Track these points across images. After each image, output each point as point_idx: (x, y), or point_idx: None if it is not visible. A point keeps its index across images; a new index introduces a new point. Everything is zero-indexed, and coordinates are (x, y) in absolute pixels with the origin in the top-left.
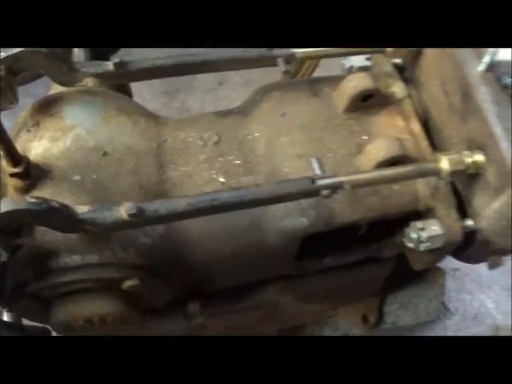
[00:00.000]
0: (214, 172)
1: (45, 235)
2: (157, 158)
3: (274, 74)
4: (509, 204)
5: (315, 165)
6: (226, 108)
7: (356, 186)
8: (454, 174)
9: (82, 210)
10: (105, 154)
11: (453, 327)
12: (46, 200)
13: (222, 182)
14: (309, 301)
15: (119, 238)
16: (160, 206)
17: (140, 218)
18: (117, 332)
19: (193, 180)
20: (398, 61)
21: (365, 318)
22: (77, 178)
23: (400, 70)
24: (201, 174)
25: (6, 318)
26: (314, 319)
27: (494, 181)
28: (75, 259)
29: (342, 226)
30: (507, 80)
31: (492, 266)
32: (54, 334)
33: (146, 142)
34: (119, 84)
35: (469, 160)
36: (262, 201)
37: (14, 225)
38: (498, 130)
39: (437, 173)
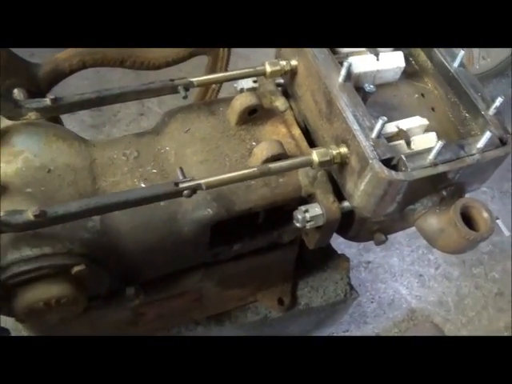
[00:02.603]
0: (136, 180)
1: (9, 235)
2: (90, 172)
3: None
4: (370, 183)
5: (179, 172)
6: None
7: (211, 186)
8: (323, 163)
9: None
10: (49, 171)
11: (371, 313)
12: None
13: (143, 187)
14: (228, 286)
15: (67, 233)
16: (58, 209)
17: (43, 218)
18: (69, 317)
19: (120, 187)
20: (281, 81)
21: (280, 301)
22: (29, 190)
23: (284, 88)
24: (126, 182)
25: None
26: (237, 305)
27: (356, 167)
28: (35, 251)
29: (240, 213)
30: (370, 87)
31: (378, 243)
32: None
33: (81, 160)
34: (53, 117)
35: (334, 152)
36: (136, 201)
37: None
38: (354, 126)
39: (309, 164)
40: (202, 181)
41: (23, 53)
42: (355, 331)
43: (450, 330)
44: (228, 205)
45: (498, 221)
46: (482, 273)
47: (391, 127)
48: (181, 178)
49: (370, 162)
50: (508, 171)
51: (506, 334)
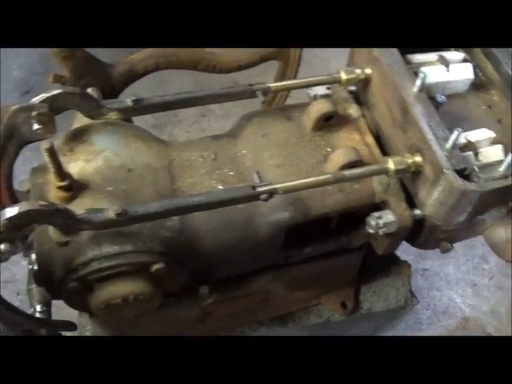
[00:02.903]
0: (213, 182)
1: (90, 232)
2: (169, 172)
3: (250, 107)
4: (443, 193)
5: (255, 176)
6: None
7: (287, 191)
8: (398, 172)
9: (79, 212)
10: (129, 170)
11: (426, 321)
12: (52, 203)
13: (221, 189)
14: (295, 288)
15: (147, 231)
16: (139, 208)
17: (124, 217)
18: (143, 312)
19: (198, 188)
20: (353, 88)
21: (343, 305)
22: (110, 188)
23: (356, 95)
24: (204, 183)
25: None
26: (300, 307)
27: (430, 176)
28: (115, 248)
29: (316, 217)
30: (441, 98)
31: (444, 251)
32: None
33: (159, 160)
34: (125, 118)
35: (409, 161)
36: (214, 203)
37: (29, 223)
38: (430, 136)
39: (385, 172)
40: (279, 185)
41: None
42: None
43: None
44: (304, 209)
45: None
46: None
47: (460, 138)
48: (258, 182)
49: (445, 171)
50: None
51: None
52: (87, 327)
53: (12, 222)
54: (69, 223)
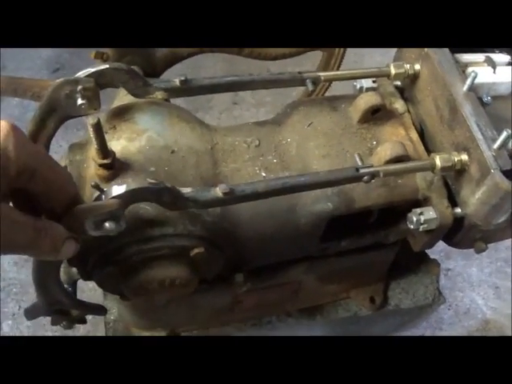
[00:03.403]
0: (256, 168)
1: (130, 212)
2: (211, 156)
3: (284, 97)
4: (488, 193)
5: (357, 158)
6: None
7: (386, 174)
8: (444, 169)
9: (186, 190)
10: (172, 151)
11: (447, 321)
12: (161, 181)
13: (264, 176)
14: (327, 281)
15: (189, 215)
16: (245, 187)
17: (231, 196)
18: (178, 296)
19: (241, 174)
20: (398, 83)
21: (372, 300)
22: (152, 169)
23: (400, 90)
24: (247, 169)
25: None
26: (329, 300)
27: (476, 175)
28: (156, 231)
29: (359, 210)
30: (487, 98)
31: (478, 251)
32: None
33: (203, 143)
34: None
35: (456, 158)
36: (319, 184)
37: (135, 201)
38: (478, 135)
39: (431, 168)
40: (381, 168)
41: None
42: None
43: None
44: (348, 201)
45: None
46: None
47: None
48: (360, 163)
49: (492, 171)
50: None
51: None
52: (112, 310)
53: (121, 199)
54: (175, 201)
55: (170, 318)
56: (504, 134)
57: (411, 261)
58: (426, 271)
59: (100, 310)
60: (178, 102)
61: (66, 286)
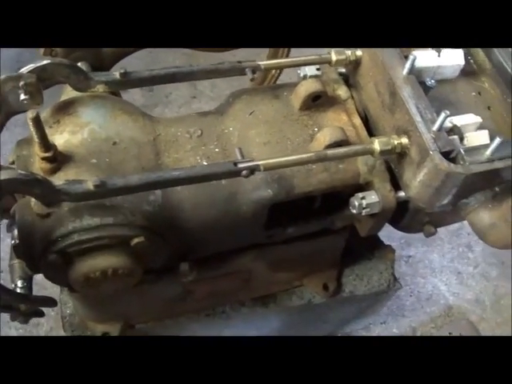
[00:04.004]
0: (198, 158)
1: (71, 204)
2: (153, 147)
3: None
4: (428, 174)
5: (238, 152)
6: None
7: (269, 168)
8: (384, 153)
9: (58, 182)
10: (114, 143)
11: (409, 307)
12: (32, 173)
13: (203, 165)
14: (277, 269)
15: (129, 204)
16: (118, 181)
17: (102, 189)
18: (123, 287)
19: (182, 164)
20: (343, 70)
21: (325, 287)
22: (94, 161)
23: (346, 77)
24: (188, 159)
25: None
26: (283, 288)
27: (416, 157)
28: (96, 220)
29: (299, 196)
30: (431, 82)
31: (427, 235)
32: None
33: (145, 135)
34: (112, 93)
35: (395, 142)
36: (195, 178)
37: (7, 191)
38: (417, 118)
39: (370, 152)
40: (261, 162)
41: None
42: (392, 323)
43: (484, 329)
44: (288, 187)
45: None
46: None
47: (446, 122)
48: (240, 158)
49: (431, 153)
50: None
51: None
52: (68, 304)
53: None
54: (48, 194)
55: (122, 310)
56: (442, 116)
57: (366, 247)
58: (381, 257)
59: (49, 302)
60: (137, 97)
61: (21, 281)
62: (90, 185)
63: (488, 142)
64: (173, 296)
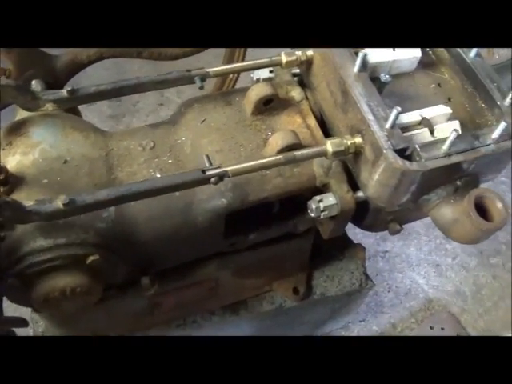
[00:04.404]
0: (151, 170)
1: (24, 226)
2: (106, 162)
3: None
4: (384, 173)
5: (205, 160)
6: None
7: (237, 173)
8: (337, 154)
9: (28, 203)
10: (65, 161)
11: (388, 303)
12: (1, 197)
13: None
14: (244, 276)
15: (82, 223)
16: (86, 197)
17: (72, 207)
18: (85, 307)
19: (136, 177)
20: (297, 70)
21: (295, 291)
22: (45, 181)
23: (300, 77)
24: (142, 172)
25: None
26: (252, 294)
27: (370, 156)
28: (49, 242)
29: (254, 203)
30: (386, 77)
31: (392, 233)
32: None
33: (97, 150)
34: (70, 108)
35: (348, 142)
36: (164, 189)
37: None
38: (369, 116)
39: (324, 154)
40: (229, 168)
41: None
42: (372, 320)
43: (466, 320)
44: (242, 195)
45: None
46: (499, 263)
47: (415, 116)
48: (207, 165)
49: (384, 152)
50: None
51: None
52: (40, 323)
53: None
54: (18, 215)
55: (91, 326)
56: (394, 112)
57: (335, 247)
58: (351, 257)
59: (19, 322)
60: (104, 108)
61: None
62: (59, 203)
63: (460, 132)
64: (139, 310)
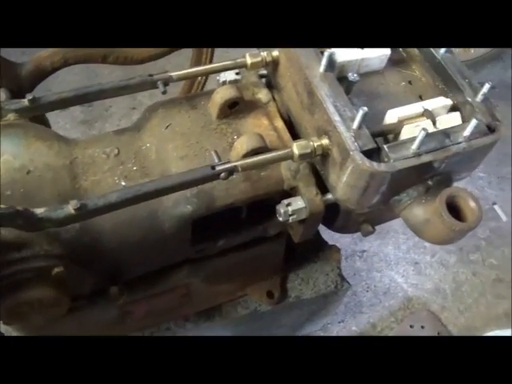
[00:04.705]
0: (116, 178)
1: None
2: (70, 171)
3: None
4: (352, 175)
5: (214, 156)
6: None
7: (245, 168)
8: (304, 156)
9: (39, 211)
10: (28, 172)
11: (366, 303)
12: (12, 206)
13: (124, 185)
14: (216, 282)
15: (45, 235)
16: (98, 200)
17: (84, 211)
18: (54, 318)
19: (101, 186)
20: (265, 72)
21: (270, 295)
22: (8, 193)
23: (268, 78)
24: (107, 180)
25: None
26: (226, 299)
27: (338, 158)
28: (13, 255)
29: (220, 208)
30: (353, 76)
31: (365, 234)
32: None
33: (61, 159)
34: (37, 116)
35: (315, 144)
36: (175, 187)
37: None
38: (335, 117)
39: (290, 157)
40: (238, 163)
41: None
42: (351, 321)
43: (447, 318)
44: (208, 201)
45: (495, 206)
46: (479, 259)
47: (417, 107)
48: (216, 161)
49: (351, 153)
50: (506, 156)
51: (505, 321)
52: (13, 333)
53: None
54: (31, 223)
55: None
56: (360, 113)
57: (310, 250)
58: (326, 258)
59: None
60: (77, 113)
61: None
62: (70, 209)
63: (461, 123)
64: (110, 319)
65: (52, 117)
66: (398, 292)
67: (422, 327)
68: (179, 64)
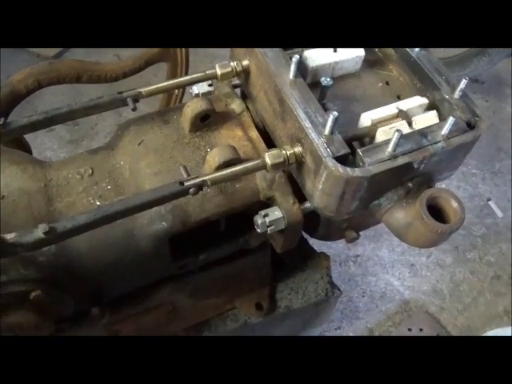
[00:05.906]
0: (91, 198)
1: None
2: (45, 194)
3: None
4: (326, 182)
5: (182, 171)
6: None
7: (215, 181)
8: (277, 166)
9: (10, 236)
10: (2, 197)
11: (363, 308)
12: None
13: (98, 205)
14: (202, 296)
15: (21, 259)
16: (67, 223)
17: (53, 235)
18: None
19: (75, 207)
20: (237, 82)
21: (259, 306)
22: None
23: (242, 89)
24: (81, 201)
25: None
26: (214, 314)
27: (311, 166)
28: None
29: (196, 224)
30: (326, 80)
31: (349, 241)
32: None
33: (35, 183)
34: (15, 139)
35: (287, 153)
36: (144, 205)
37: None
38: (306, 123)
39: (263, 167)
40: (207, 177)
41: None
42: (347, 327)
43: (445, 319)
44: (183, 216)
45: (490, 202)
46: (476, 257)
47: (391, 109)
48: (185, 176)
49: (324, 160)
50: (498, 150)
51: (505, 319)
52: None
53: None
54: (2, 249)
55: None
56: (331, 118)
57: (297, 259)
58: (315, 267)
59: None
60: (63, 133)
61: None
62: (39, 232)
63: (437, 121)
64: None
65: (39, 138)
66: (394, 295)
67: (421, 330)
68: (163, 77)
